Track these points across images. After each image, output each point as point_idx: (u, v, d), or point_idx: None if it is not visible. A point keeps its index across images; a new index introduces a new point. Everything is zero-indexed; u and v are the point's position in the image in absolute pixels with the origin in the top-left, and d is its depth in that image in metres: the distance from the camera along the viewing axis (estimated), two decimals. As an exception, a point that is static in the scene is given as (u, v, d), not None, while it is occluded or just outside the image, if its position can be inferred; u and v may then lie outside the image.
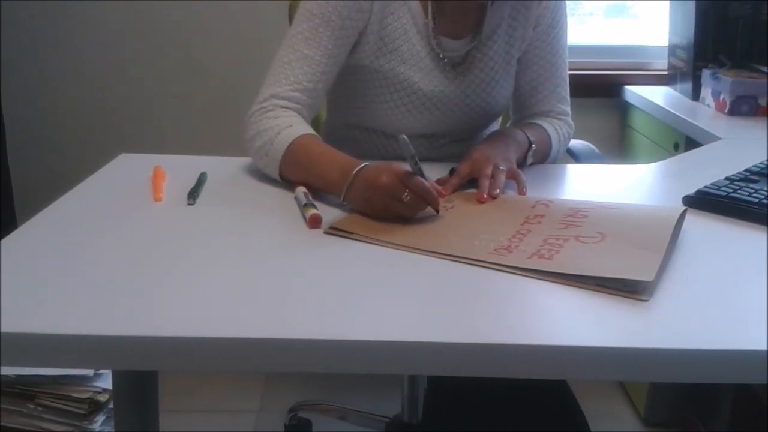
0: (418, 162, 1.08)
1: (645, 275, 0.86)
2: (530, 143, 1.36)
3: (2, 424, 1.61)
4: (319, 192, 1.16)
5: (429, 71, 1.37)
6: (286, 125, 1.23)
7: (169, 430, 1.51)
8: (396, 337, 0.76)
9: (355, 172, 1.10)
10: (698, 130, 1.78)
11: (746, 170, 1.28)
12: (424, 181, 1.07)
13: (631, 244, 0.96)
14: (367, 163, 1.12)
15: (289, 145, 1.20)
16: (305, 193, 1.14)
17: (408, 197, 1.05)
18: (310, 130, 1.24)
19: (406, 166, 1.08)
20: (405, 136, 1.07)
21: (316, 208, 1.08)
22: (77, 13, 2.19)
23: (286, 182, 1.21)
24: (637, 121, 2.23)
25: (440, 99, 1.38)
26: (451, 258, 0.95)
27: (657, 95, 2.14)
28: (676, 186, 1.24)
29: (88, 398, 1.62)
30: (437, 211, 1.09)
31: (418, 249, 0.98)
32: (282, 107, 1.26)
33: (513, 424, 1.30)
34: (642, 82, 2.28)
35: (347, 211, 1.11)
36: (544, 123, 1.45)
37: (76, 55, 2.23)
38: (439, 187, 1.13)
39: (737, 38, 2.03)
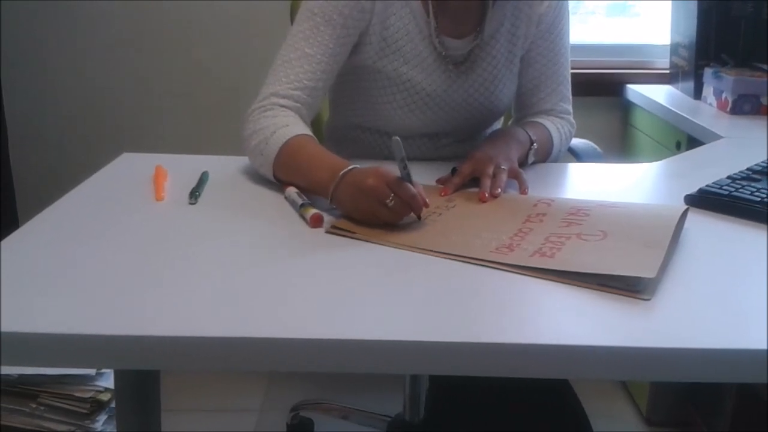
0: (408, 166, 1.04)
1: (647, 272, 0.86)
2: (532, 142, 1.36)
3: (4, 423, 1.61)
4: (309, 194, 1.13)
5: (432, 71, 1.36)
6: (283, 125, 1.21)
7: (170, 430, 1.51)
8: (398, 336, 0.76)
9: (342, 173, 1.08)
10: (700, 129, 1.78)
11: (748, 169, 1.27)
12: (411, 187, 1.03)
13: (633, 242, 0.96)
14: (356, 166, 1.09)
15: (283, 144, 1.18)
16: (298, 193, 1.13)
17: (392, 202, 1.02)
18: (307, 131, 1.23)
19: (396, 170, 1.05)
20: (398, 138, 1.04)
21: (314, 207, 1.07)
22: (79, 11, 2.19)
23: (280, 182, 1.20)
24: (639, 120, 2.22)
25: (443, 98, 1.38)
26: (454, 257, 0.95)
27: (659, 94, 2.13)
28: (678, 185, 1.24)
29: (90, 397, 1.62)
30: (419, 217, 1.06)
31: (421, 248, 0.98)
32: (281, 106, 1.25)
33: (515, 424, 1.30)
34: (644, 80, 2.28)
35: (336, 216, 1.08)
36: (546, 122, 1.45)
37: (78, 54, 2.23)
38: (425, 196, 1.06)
39: (739, 37, 2.03)
